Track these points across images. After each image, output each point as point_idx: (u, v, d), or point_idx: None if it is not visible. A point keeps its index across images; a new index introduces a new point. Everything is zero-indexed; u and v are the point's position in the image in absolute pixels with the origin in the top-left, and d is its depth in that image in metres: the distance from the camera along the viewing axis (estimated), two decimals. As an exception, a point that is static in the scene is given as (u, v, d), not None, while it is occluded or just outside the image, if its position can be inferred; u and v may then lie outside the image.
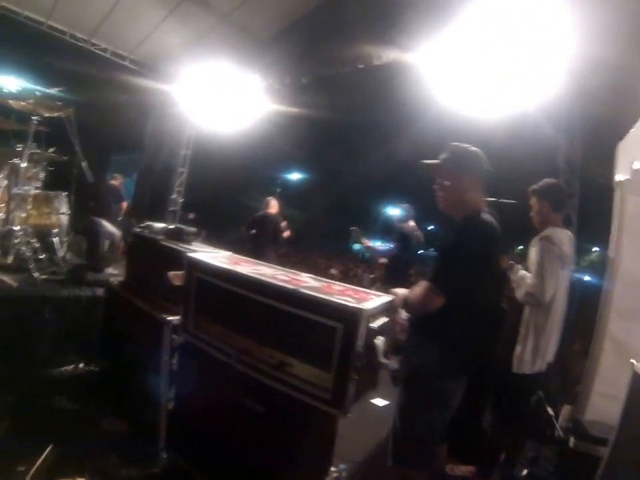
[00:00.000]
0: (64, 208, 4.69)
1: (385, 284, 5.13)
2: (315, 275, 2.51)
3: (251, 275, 2.14)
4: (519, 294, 2.78)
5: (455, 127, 5.96)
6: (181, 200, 10.30)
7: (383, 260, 5.63)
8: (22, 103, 4.04)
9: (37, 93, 4.15)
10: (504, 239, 2.19)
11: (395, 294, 2.21)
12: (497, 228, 2.05)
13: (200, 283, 2.44)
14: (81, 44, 7.80)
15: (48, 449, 2.51)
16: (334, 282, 2.40)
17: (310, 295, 1.96)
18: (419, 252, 5.31)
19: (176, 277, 2.64)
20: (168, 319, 2.75)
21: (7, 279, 3.78)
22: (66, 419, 3.10)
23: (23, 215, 4.25)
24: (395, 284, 5.03)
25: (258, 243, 6.83)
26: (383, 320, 2.08)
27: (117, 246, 4.18)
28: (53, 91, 4.31)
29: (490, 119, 5.68)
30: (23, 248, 3.91)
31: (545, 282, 2.61)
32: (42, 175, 4.63)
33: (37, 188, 4.57)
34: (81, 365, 3.82)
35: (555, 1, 4.48)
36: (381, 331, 2.03)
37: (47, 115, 4.28)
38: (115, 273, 4.20)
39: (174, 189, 10.15)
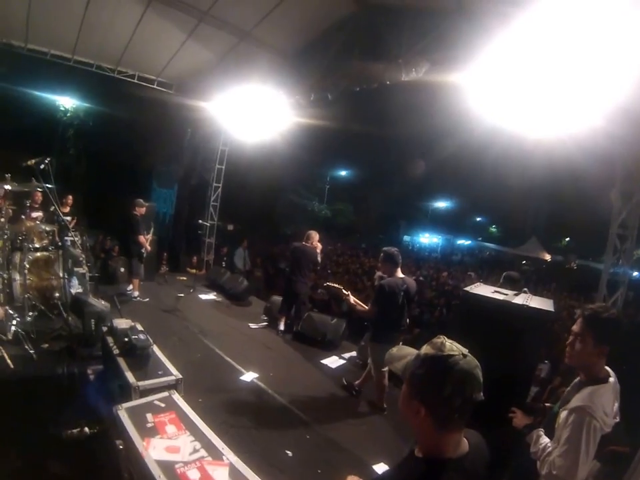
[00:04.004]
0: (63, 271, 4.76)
1: (374, 342, 4.52)
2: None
3: (151, 470, 1.87)
4: (541, 469, 2.13)
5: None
6: (216, 215, 10.33)
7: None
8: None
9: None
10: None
11: None
12: None
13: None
14: (107, 73, 7.90)
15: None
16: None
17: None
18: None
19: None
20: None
21: (7, 356, 3.92)
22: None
23: (21, 280, 4.37)
24: (386, 342, 4.50)
25: (293, 273, 6.77)
26: None
27: (105, 322, 4.14)
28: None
29: (532, 138, 5.11)
30: (19, 329, 3.99)
31: (578, 466, 1.94)
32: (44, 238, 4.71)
33: (37, 249, 4.67)
34: (86, 429, 3.92)
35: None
36: None
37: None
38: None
39: (210, 203, 10.19)
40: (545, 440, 2.22)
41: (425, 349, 1.28)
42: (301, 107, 8.10)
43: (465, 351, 1.26)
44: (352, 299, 4.49)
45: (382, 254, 4.54)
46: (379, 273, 5.70)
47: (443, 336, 1.31)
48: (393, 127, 17.42)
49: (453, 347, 1.25)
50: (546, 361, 5.70)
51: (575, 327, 2.18)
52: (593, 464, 2.97)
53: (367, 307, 4.57)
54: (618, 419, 2.18)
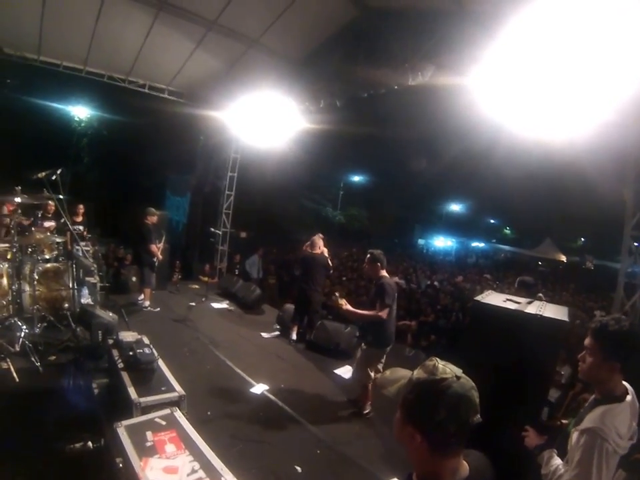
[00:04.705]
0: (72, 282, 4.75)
1: (371, 347, 4.49)
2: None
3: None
4: None
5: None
6: (229, 223, 10.33)
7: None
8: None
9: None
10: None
11: None
12: None
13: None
14: (118, 83, 7.99)
15: None
16: None
17: None
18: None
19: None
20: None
21: (13, 369, 3.90)
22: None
23: (31, 291, 4.36)
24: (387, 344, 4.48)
25: (305, 282, 6.71)
26: None
27: (111, 335, 4.10)
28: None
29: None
30: (27, 341, 3.97)
31: None
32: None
33: (47, 260, 4.67)
34: (90, 443, 3.88)
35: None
36: None
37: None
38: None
39: (222, 210, 10.19)
40: (556, 462, 2.08)
41: (417, 372, 1.22)
42: (311, 113, 8.07)
43: (459, 372, 1.18)
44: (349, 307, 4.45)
45: (368, 255, 4.60)
46: (395, 279, 5.61)
47: (436, 358, 1.24)
48: (405, 130, 17.31)
49: (446, 369, 1.18)
50: (562, 372, 5.48)
51: (586, 340, 2.04)
52: (619, 473, 2.81)
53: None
54: (635, 441, 2.00)
